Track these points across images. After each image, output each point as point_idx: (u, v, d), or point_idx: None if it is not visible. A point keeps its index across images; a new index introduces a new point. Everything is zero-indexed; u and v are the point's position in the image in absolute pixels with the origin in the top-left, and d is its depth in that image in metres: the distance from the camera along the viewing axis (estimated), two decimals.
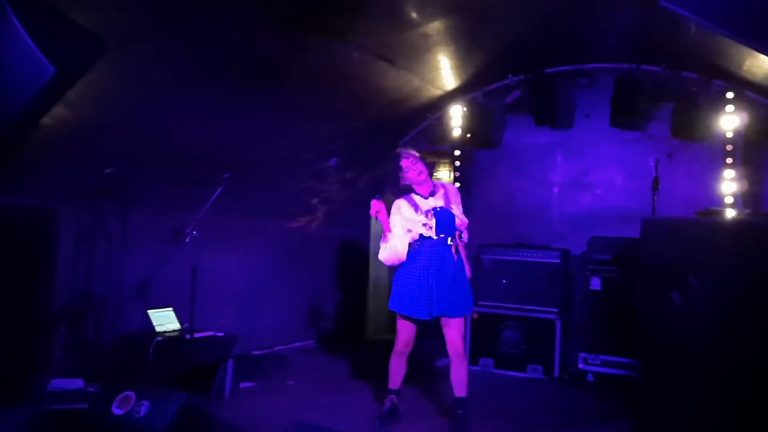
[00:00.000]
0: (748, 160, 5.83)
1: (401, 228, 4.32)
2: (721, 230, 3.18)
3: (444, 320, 4.36)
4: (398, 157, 4.40)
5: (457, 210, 4.40)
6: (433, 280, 4.27)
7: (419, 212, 4.31)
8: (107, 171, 4.86)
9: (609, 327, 5.91)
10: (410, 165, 4.34)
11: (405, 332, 4.43)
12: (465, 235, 4.47)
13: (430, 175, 4.41)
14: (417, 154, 4.40)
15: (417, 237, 4.31)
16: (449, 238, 4.32)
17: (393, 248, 4.30)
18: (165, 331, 5.18)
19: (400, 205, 4.38)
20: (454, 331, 4.35)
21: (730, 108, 5.73)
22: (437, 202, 4.36)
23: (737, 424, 3.00)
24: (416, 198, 4.37)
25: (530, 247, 6.48)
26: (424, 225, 4.29)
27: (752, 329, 2.97)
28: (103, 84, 4.14)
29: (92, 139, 4.63)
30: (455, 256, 4.33)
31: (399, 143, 7.43)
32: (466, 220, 4.42)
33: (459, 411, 4.40)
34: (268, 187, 6.28)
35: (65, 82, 3.54)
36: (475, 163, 7.24)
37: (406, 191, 4.41)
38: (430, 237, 4.28)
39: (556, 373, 6.09)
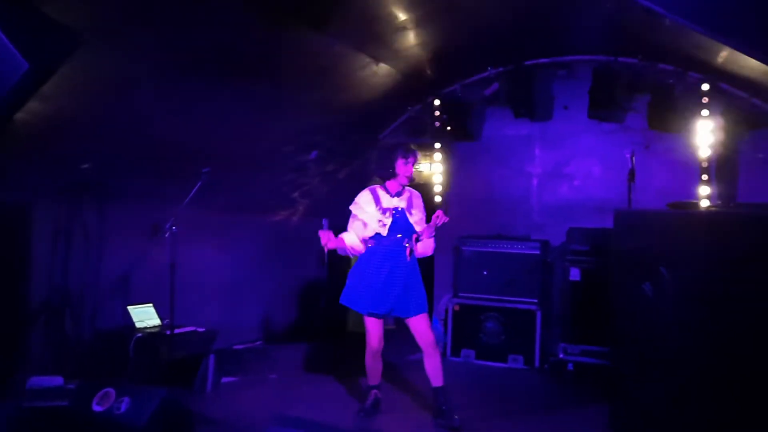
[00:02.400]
0: (723, 151, 5.90)
1: (360, 216, 4.41)
2: (692, 222, 3.22)
3: (408, 320, 4.44)
4: (408, 152, 4.43)
5: (417, 215, 4.48)
6: (382, 279, 4.36)
7: (378, 208, 4.39)
8: (84, 166, 4.81)
9: (588, 317, 5.97)
10: (412, 163, 4.43)
11: (374, 329, 4.47)
12: (429, 244, 4.52)
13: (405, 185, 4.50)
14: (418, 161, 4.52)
15: (372, 234, 4.40)
16: (405, 240, 4.39)
17: (347, 243, 4.42)
18: (145, 327, 5.15)
19: (363, 195, 4.48)
20: (419, 324, 4.41)
21: (705, 99, 5.79)
22: (400, 203, 4.44)
23: (709, 411, 3.06)
24: (381, 193, 4.45)
25: (510, 238, 6.53)
26: (379, 221, 4.37)
27: (723, 319, 3.02)
28: (79, 78, 4.10)
29: (69, 134, 4.58)
30: (408, 258, 4.41)
31: (379, 136, 7.44)
32: (427, 230, 4.46)
33: (440, 399, 4.46)
34: (249, 180, 6.25)
35: (40, 78, 3.51)
36: (455, 155, 7.26)
37: (380, 180, 4.47)
38: (384, 236, 4.37)
39: (536, 363, 6.15)
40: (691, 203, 4.16)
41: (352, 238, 4.43)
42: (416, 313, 4.39)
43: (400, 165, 4.40)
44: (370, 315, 4.42)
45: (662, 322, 3.12)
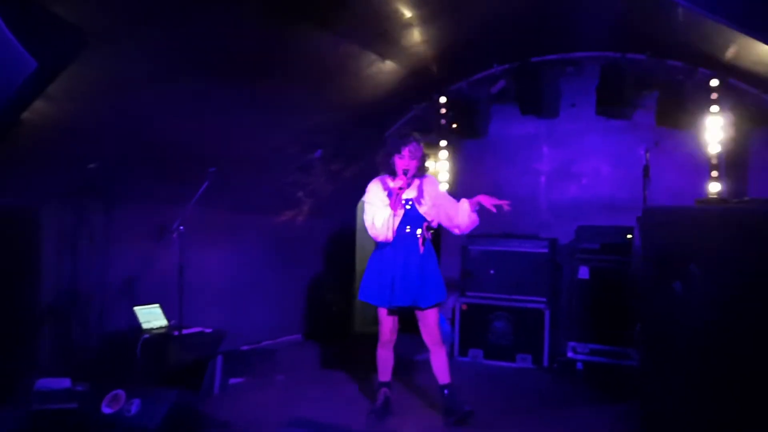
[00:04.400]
0: (733, 147, 5.86)
1: (374, 207, 4.33)
2: (721, 218, 3.17)
3: (418, 313, 4.39)
4: (407, 141, 4.33)
5: (429, 202, 4.39)
6: (397, 270, 4.32)
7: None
8: (91, 167, 4.77)
9: (597, 316, 5.93)
10: (407, 155, 4.31)
11: (386, 321, 4.44)
12: (465, 220, 4.41)
13: (415, 174, 4.38)
14: (420, 155, 4.38)
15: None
16: (418, 230, 4.34)
17: (388, 219, 4.26)
18: (152, 328, 5.11)
19: (373, 187, 4.42)
20: (428, 321, 4.38)
21: (714, 95, 5.75)
22: (409, 194, 4.36)
23: (740, 414, 3.02)
24: (391, 184, 4.35)
25: (518, 237, 6.48)
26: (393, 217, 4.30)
27: (756, 318, 2.98)
28: (86, 78, 4.06)
29: (75, 134, 4.54)
30: (422, 248, 4.35)
31: (385, 134, 7.39)
32: (455, 211, 4.38)
33: (447, 396, 4.43)
34: (254, 180, 6.21)
35: (47, 77, 3.47)
36: (462, 153, 7.22)
37: (389, 171, 4.39)
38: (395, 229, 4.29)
39: (545, 363, 6.11)
40: (720, 199, 4.11)
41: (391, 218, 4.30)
42: (431, 304, 4.34)
43: (395, 160, 4.33)
44: (391, 308, 4.36)
45: (693, 321, 3.07)
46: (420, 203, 4.37)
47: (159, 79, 4.54)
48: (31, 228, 4.55)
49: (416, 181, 4.41)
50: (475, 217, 4.42)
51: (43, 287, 4.80)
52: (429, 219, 4.39)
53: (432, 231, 4.48)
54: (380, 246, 4.42)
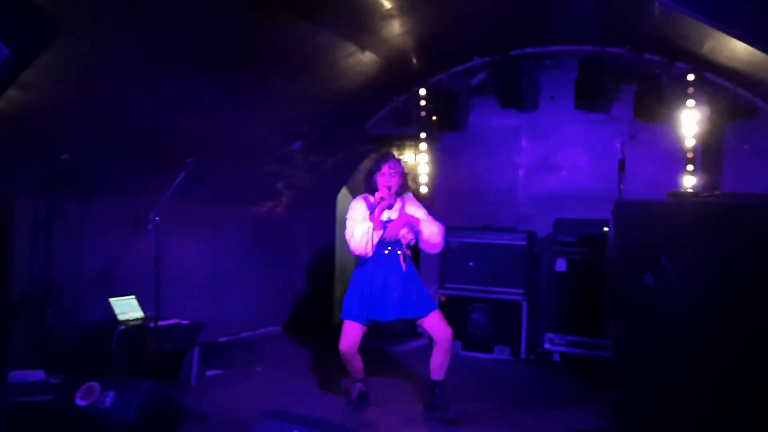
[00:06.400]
0: (708, 141, 5.93)
1: (357, 224, 4.33)
2: (694, 212, 3.21)
3: (423, 321, 4.42)
4: (385, 159, 4.41)
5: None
6: (378, 286, 4.34)
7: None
8: (64, 157, 4.70)
9: (574, 307, 5.98)
10: (387, 172, 4.37)
11: (352, 335, 4.40)
12: (429, 232, 4.41)
13: (398, 192, 4.41)
14: (401, 171, 4.43)
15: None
16: (397, 250, 4.37)
17: (367, 232, 4.27)
18: (128, 320, 5.06)
19: (357, 206, 4.42)
20: (434, 321, 4.40)
21: (691, 90, 5.80)
22: (391, 215, 4.39)
23: (712, 402, 3.06)
24: (372, 199, 4.38)
25: (497, 229, 6.52)
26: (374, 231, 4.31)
27: (726, 310, 3.02)
28: (61, 67, 4.00)
29: (49, 123, 4.47)
30: (404, 265, 4.37)
31: (365, 126, 7.38)
32: (435, 227, 4.39)
33: (436, 392, 4.45)
34: (233, 171, 6.17)
35: (19, 65, 3.39)
36: (441, 145, 7.22)
37: (371, 190, 4.42)
38: (376, 248, 4.31)
39: (523, 354, 6.16)
40: (690, 193, 4.15)
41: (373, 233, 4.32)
42: (428, 311, 4.37)
43: (377, 178, 4.38)
44: (369, 323, 4.39)
45: (664, 313, 3.11)
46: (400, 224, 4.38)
47: (136, 69, 4.48)
48: (4, 219, 4.48)
49: (398, 202, 4.44)
50: (428, 229, 4.40)
51: (16, 279, 4.75)
52: (407, 240, 4.42)
53: (411, 248, 4.49)
54: (361, 264, 4.44)
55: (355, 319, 4.38)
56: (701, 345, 3.10)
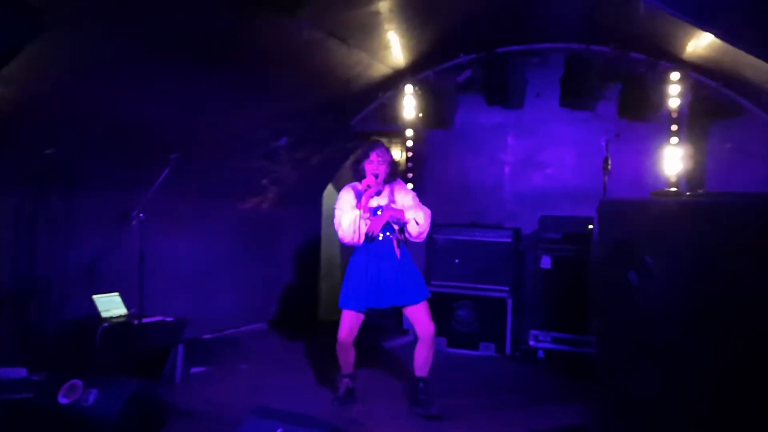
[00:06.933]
0: (692, 140, 5.97)
1: (346, 213, 4.34)
2: (678, 210, 3.24)
3: (408, 310, 4.41)
4: (374, 147, 4.41)
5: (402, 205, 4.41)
6: (373, 274, 4.35)
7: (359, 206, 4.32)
8: (48, 152, 4.65)
9: (559, 304, 6.00)
10: (375, 160, 4.36)
11: (346, 322, 4.42)
12: (413, 223, 4.40)
13: (385, 180, 4.41)
14: (390, 159, 4.43)
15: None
16: (387, 233, 4.38)
17: (355, 220, 4.26)
18: (111, 317, 5.03)
19: (345, 195, 4.43)
20: (419, 313, 4.39)
21: (675, 88, 5.85)
22: (380, 201, 4.40)
23: (694, 399, 3.10)
24: (360, 186, 4.39)
25: (482, 226, 6.53)
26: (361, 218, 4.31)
27: (709, 308, 3.06)
28: (44, 61, 3.95)
29: (33, 118, 4.42)
30: (398, 250, 4.39)
31: (351, 122, 7.36)
32: (422, 211, 4.39)
33: (420, 389, 4.45)
34: (218, 167, 6.13)
35: (1, 59, 3.36)
36: (428, 142, 7.22)
37: (359, 178, 4.41)
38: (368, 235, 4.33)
39: (508, 351, 6.19)
40: (675, 192, 4.20)
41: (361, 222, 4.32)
42: (415, 301, 4.36)
43: (365, 165, 4.39)
44: (367, 311, 4.39)
45: (647, 311, 3.14)
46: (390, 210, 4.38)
47: (121, 64, 4.44)
48: None
49: (387, 188, 4.44)
50: (413, 219, 4.39)
51: (0, 275, 4.69)
52: (398, 226, 4.42)
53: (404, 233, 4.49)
54: (356, 253, 4.45)
55: (352, 308, 4.38)
56: (684, 343, 3.13)
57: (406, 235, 4.45)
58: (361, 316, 4.43)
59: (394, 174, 4.47)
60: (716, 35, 3.99)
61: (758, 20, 3.05)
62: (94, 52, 4.24)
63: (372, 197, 4.34)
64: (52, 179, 4.95)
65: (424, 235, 4.46)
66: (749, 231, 2.99)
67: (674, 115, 5.87)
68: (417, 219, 4.35)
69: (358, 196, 4.34)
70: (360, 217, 4.27)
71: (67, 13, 3.76)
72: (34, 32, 3.40)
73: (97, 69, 4.38)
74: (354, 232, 4.27)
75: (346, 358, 4.52)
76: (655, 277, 3.12)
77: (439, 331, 6.29)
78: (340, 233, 4.35)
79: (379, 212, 4.36)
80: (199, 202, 6.20)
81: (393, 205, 4.40)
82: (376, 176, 4.34)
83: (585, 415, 4.16)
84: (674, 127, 5.88)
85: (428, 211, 4.42)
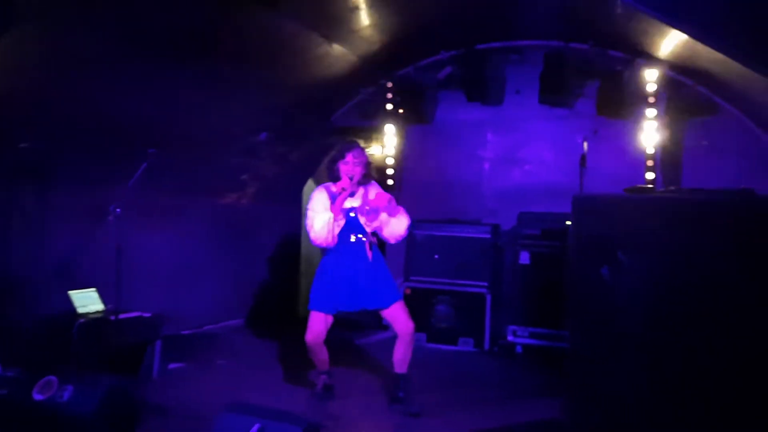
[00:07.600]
0: (669, 137, 6.04)
1: (319, 215, 4.32)
2: (650, 207, 3.29)
3: (386, 312, 4.40)
4: (350, 147, 4.38)
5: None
6: (345, 276, 4.34)
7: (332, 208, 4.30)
8: (23, 146, 4.59)
9: (537, 300, 6.06)
10: (351, 161, 4.33)
11: (314, 325, 4.39)
12: (391, 224, 4.40)
13: (360, 182, 4.39)
14: (365, 160, 4.41)
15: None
16: (360, 235, 4.37)
17: (328, 222, 4.25)
18: (88, 313, 4.98)
19: (318, 196, 4.39)
20: (397, 312, 4.37)
21: (652, 87, 5.91)
22: (353, 203, 4.38)
23: (666, 396, 3.14)
24: (334, 189, 4.36)
25: (462, 222, 6.56)
26: (334, 221, 4.30)
27: (680, 304, 3.10)
28: (18, 54, 3.90)
29: (7, 112, 4.35)
30: (369, 253, 4.37)
31: (331, 118, 7.35)
32: (401, 215, 4.38)
33: (400, 385, 4.45)
34: (197, 162, 6.09)
35: None
36: (408, 138, 7.24)
37: (334, 178, 4.39)
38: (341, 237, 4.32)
39: (486, 346, 6.22)
40: (648, 188, 4.24)
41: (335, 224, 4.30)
42: (391, 302, 4.35)
43: (340, 166, 4.36)
44: (338, 313, 4.39)
45: (620, 306, 3.18)
46: (363, 212, 4.36)
47: (97, 57, 4.39)
48: None
49: (360, 190, 4.42)
50: (393, 221, 4.37)
51: None
52: (370, 229, 4.41)
53: (376, 237, 4.48)
54: (328, 254, 4.43)
55: (321, 309, 4.37)
56: (655, 338, 3.18)
57: (382, 236, 4.45)
58: (330, 318, 4.41)
59: (369, 175, 4.45)
60: (688, 34, 4.04)
61: (729, 20, 3.10)
62: (70, 46, 4.18)
63: (345, 200, 4.33)
64: (26, 174, 4.88)
65: (401, 238, 4.46)
66: (720, 227, 3.04)
67: (651, 112, 5.93)
68: (394, 223, 4.34)
69: (332, 197, 4.31)
70: (333, 220, 4.26)
71: (43, 6, 3.72)
72: (7, 26, 3.35)
73: (73, 63, 4.32)
74: (327, 234, 4.26)
75: (319, 356, 4.51)
76: (627, 272, 3.16)
77: (419, 327, 6.33)
78: (312, 235, 4.32)
79: (351, 214, 4.35)
80: (177, 198, 6.16)
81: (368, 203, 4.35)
82: (351, 178, 4.31)
83: (560, 408, 4.20)
84: (651, 125, 5.95)
85: (406, 217, 4.40)
